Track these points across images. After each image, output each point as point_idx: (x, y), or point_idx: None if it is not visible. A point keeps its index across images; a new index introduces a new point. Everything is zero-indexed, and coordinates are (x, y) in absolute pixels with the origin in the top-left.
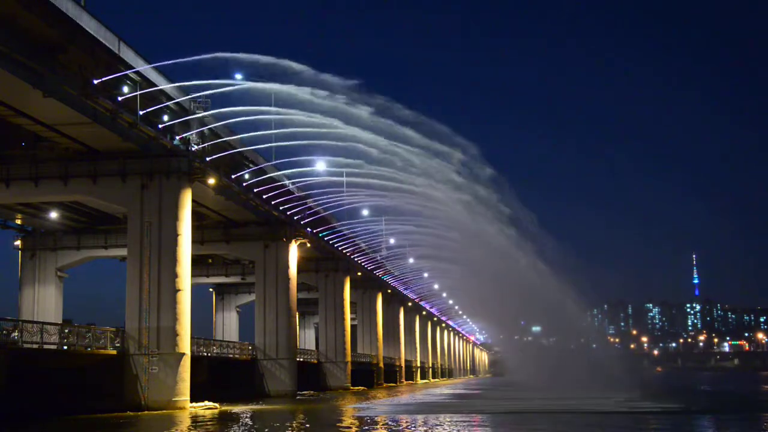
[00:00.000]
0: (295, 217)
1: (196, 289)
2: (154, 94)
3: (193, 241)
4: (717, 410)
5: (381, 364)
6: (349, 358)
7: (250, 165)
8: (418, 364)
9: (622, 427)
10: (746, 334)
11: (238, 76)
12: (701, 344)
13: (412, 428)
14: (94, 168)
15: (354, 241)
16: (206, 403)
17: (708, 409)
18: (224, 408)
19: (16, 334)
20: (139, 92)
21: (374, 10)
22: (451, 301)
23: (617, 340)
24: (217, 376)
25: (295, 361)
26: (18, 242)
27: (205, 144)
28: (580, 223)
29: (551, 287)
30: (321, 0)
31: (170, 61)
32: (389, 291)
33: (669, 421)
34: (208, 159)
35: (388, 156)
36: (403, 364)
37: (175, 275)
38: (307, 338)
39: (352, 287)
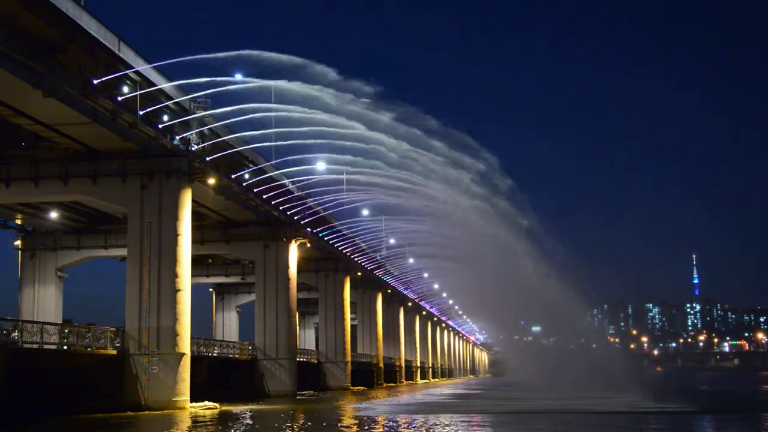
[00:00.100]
0: (295, 217)
1: (196, 289)
2: (154, 94)
3: (193, 241)
4: (717, 410)
5: (381, 364)
6: (349, 358)
7: (250, 165)
8: (418, 364)
9: (622, 427)
10: (746, 334)
11: (238, 76)
12: (701, 344)
13: (412, 428)
14: (94, 168)
15: (354, 241)
16: (206, 403)
17: (708, 410)
18: (224, 408)
19: (16, 334)
20: (139, 92)
21: (374, 10)
22: (451, 301)
23: (617, 340)
24: (217, 376)
25: (295, 361)
26: (18, 242)
27: (205, 144)
28: (580, 223)
29: (551, 287)
30: (321, 0)
31: (170, 61)
32: (389, 291)
33: (669, 421)
34: (208, 159)
35: (391, 153)
36: (403, 364)
37: (175, 275)
38: (307, 338)
39: (352, 287)
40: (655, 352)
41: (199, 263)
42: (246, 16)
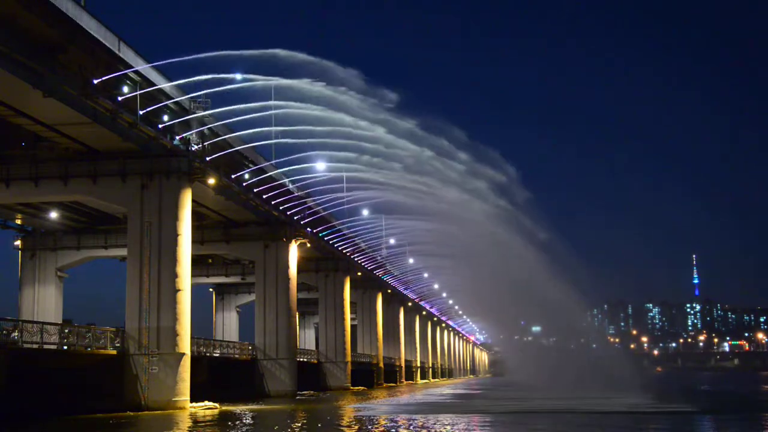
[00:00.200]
0: (295, 217)
1: (196, 289)
2: (154, 94)
3: (193, 241)
4: (717, 410)
5: (381, 364)
6: (349, 358)
7: (250, 165)
8: (418, 364)
9: (622, 427)
10: (746, 334)
11: (238, 76)
12: (701, 344)
13: (413, 428)
14: (94, 168)
15: (354, 240)
16: (206, 403)
17: (709, 410)
18: (224, 408)
19: (16, 334)
20: (139, 92)
21: (374, 10)
22: (451, 301)
23: (617, 340)
24: (217, 376)
25: (295, 361)
26: (18, 242)
27: (205, 143)
28: (580, 223)
29: (551, 287)
30: (321, 0)
31: (171, 60)
32: (389, 291)
33: (669, 421)
34: (208, 159)
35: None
36: (403, 364)
37: (175, 275)
38: (307, 338)
39: (352, 287)
40: (655, 352)
41: (199, 263)
42: (246, 15)
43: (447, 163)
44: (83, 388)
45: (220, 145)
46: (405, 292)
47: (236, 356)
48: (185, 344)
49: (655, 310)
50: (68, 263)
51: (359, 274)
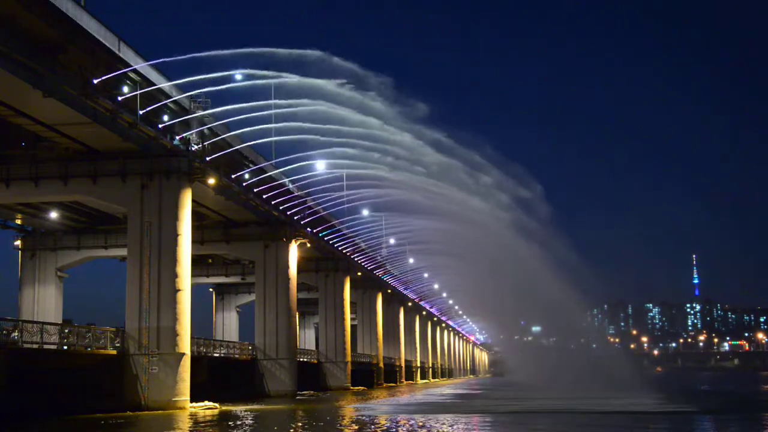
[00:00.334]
0: (295, 217)
1: (196, 289)
2: (154, 94)
3: (193, 241)
4: (717, 411)
5: (381, 364)
6: (349, 358)
7: (250, 165)
8: (418, 364)
9: (622, 427)
10: (746, 334)
11: (238, 76)
12: (701, 344)
13: (413, 428)
14: (94, 168)
15: (354, 240)
16: (206, 403)
17: (709, 410)
18: (224, 408)
19: (16, 334)
20: (139, 92)
21: (374, 10)
22: (451, 301)
23: (617, 340)
24: (217, 376)
25: (295, 361)
26: (18, 242)
27: (205, 143)
28: (580, 223)
29: (551, 287)
30: (321, 0)
31: (172, 58)
32: (389, 291)
33: (669, 421)
34: (208, 159)
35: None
36: (403, 364)
37: (175, 275)
38: (307, 338)
39: (352, 287)
40: (655, 352)
41: (199, 263)
42: (246, 15)
43: (471, 173)
44: (83, 388)
45: (219, 145)
46: (405, 292)
47: (236, 356)
48: (185, 344)
49: (655, 310)
50: (68, 263)
51: (359, 274)
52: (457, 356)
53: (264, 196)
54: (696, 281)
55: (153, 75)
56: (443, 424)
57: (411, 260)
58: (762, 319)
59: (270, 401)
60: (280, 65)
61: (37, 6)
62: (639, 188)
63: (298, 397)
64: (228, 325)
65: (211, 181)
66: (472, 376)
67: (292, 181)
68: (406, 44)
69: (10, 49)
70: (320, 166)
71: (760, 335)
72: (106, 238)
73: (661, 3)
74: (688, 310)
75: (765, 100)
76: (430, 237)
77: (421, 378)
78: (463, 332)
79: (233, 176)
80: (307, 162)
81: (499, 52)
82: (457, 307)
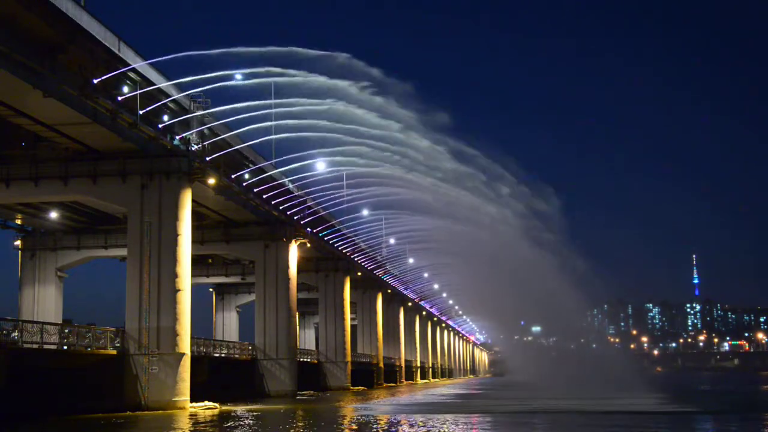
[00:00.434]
0: (295, 217)
1: (196, 289)
2: (154, 94)
3: (193, 241)
4: (717, 411)
5: (381, 364)
6: (349, 358)
7: (250, 164)
8: (418, 364)
9: (623, 427)
10: (746, 334)
11: (238, 76)
12: (701, 344)
13: (413, 428)
14: (94, 168)
15: (354, 240)
16: (206, 403)
17: (709, 410)
18: (224, 408)
19: (16, 334)
20: (138, 92)
21: (374, 10)
22: (451, 301)
23: (617, 340)
24: (217, 376)
25: (295, 361)
26: (18, 242)
27: (205, 143)
28: (580, 223)
29: (551, 287)
30: (320, 0)
31: (173, 55)
32: (389, 291)
33: (669, 421)
34: (208, 159)
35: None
36: (403, 364)
37: (175, 275)
38: (307, 338)
39: (352, 287)
40: (655, 352)
41: (199, 263)
42: (246, 16)
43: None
44: (83, 388)
45: (219, 145)
46: (405, 292)
47: (236, 356)
48: (185, 344)
49: (655, 310)
50: (68, 263)
51: (359, 274)
52: (457, 356)
53: (264, 196)
54: (696, 281)
55: (153, 75)
56: (443, 424)
57: (411, 260)
58: (762, 319)
59: (270, 401)
60: (280, 64)
61: (37, 6)
62: (639, 188)
63: (298, 397)
64: (228, 325)
65: (211, 181)
66: (472, 376)
67: (292, 181)
68: (406, 44)
69: (10, 49)
70: (320, 165)
71: (760, 335)
72: (106, 238)
73: (661, 3)
74: (688, 310)
75: (765, 100)
76: (431, 236)
77: (421, 378)
78: (463, 332)
79: (233, 176)
80: (307, 162)
81: (500, 51)
82: (457, 307)
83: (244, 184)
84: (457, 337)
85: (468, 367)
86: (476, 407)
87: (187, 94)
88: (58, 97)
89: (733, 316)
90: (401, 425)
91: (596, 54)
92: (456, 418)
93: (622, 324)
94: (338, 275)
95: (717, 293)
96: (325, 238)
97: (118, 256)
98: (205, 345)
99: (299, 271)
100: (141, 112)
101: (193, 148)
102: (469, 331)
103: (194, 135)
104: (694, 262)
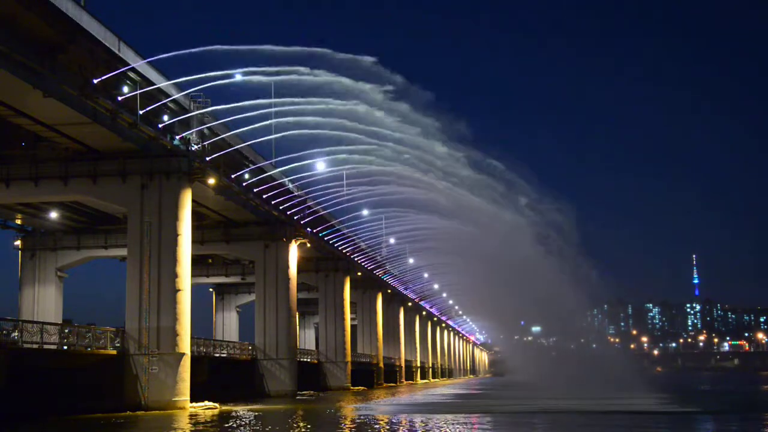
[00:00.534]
0: (295, 217)
1: (196, 289)
2: (154, 94)
3: (193, 241)
4: (717, 411)
5: (381, 364)
6: (349, 358)
7: (250, 164)
8: (418, 364)
9: (623, 427)
10: (746, 334)
11: (238, 76)
12: (701, 344)
13: (413, 428)
14: (94, 168)
15: (354, 240)
16: (206, 403)
17: (710, 410)
18: (224, 408)
19: (16, 334)
20: (138, 92)
21: (374, 10)
22: (451, 301)
23: (617, 340)
24: (217, 376)
25: (295, 361)
26: (18, 242)
27: (205, 143)
28: (580, 223)
29: (551, 287)
30: (320, 0)
31: (173, 53)
32: (389, 291)
33: (669, 421)
34: (208, 159)
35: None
36: (403, 364)
37: (175, 275)
38: (307, 338)
39: (352, 287)
40: (655, 352)
41: (199, 263)
42: (246, 16)
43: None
44: (83, 388)
45: (219, 145)
46: (405, 292)
47: (236, 356)
48: (185, 344)
49: (655, 310)
50: (68, 263)
51: (359, 274)
52: (457, 356)
53: (264, 196)
54: (696, 281)
55: (153, 75)
56: (443, 424)
57: (411, 260)
58: (762, 319)
59: (270, 401)
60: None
61: (37, 6)
62: (639, 188)
63: (298, 397)
64: (228, 325)
65: (211, 181)
66: (472, 376)
67: (292, 181)
68: (406, 44)
69: (10, 49)
70: (320, 165)
71: (760, 335)
72: (106, 238)
73: (661, 3)
74: (688, 310)
75: (765, 101)
76: (431, 236)
77: (421, 378)
78: (463, 332)
79: (233, 176)
80: (307, 161)
81: (499, 51)
82: (457, 307)
83: (244, 184)
84: (457, 337)
85: (468, 367)
86: (476, 407)
87: (187, 94)
88: (58, 97)
89: (733, 316)
90: (401, 425)
91: (596, 54)
92: (456, 418)
93: (622, 324)
94: (338, 275)
95: (717, 293)
96: (325, 238)
97: (118, 256)
98: (205, 345)
99: (299, 271)
100: (141, 112)
101: (193, 148)
102: (469, 331)
103: (194, 135)
104: (694, 262)
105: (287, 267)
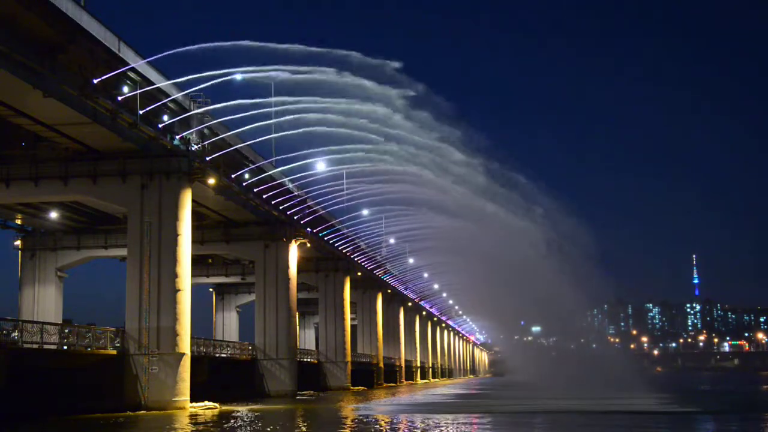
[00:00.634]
0: (295, 217)
1: (196, 289)
2: (154, 94)
3: (193, 241)
4: (717, 410)
5: (381, 364)
6: (349, 358)
7: (250, 164)
8: (418, 364)
9: (623, 427)
10: (746, 334)
11: (238, 76)
12: (701, 344)
13: (413, 428)
14: (94, 168)
15: (354, 240)
16: (206, 403)
17: (710, 410)
18: (224, 408)
19: (16, 334)
20: (138, 92)
21: (374, 10)
22: (451, 301)
23: (617, 340)
24: (217, 376)
25: (295, 361)
26: (18, 242)
27: (205, 143)
28: (580, 223)
29: (551, 287)
30: (319, 0)
31: (174, 50)
32: (389, 291)
33: (669, 421)
34: (208, 158)
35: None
36: (403, 364)
37: (175, 275)
38: (307, 338)
39: (352, 287)
40: (655, 352)
41: (199, 263)
42: (246, 16)
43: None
44: (83, 388)
45: (219, 145)
46: (405, 292)
47: (236, 356)
48: (185, 344)
49: (655, 310)
50: (68, 263)
51: (359, 274)
52: (457, 356)
53: (264, 196)
54: (696, 281)
55: (153, 75)
56: (443, 424)
57: (411, 260)
58: (762, 319)
59: (270, 401)
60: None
61: (37, 6)
62: (639, 188)
63: (298, 397)
64: (228, 325)
65: (211, 181)
66: (472, 376)
67: (292, 181)
68: (406, 44)
69: (10, 49)
70: (320, 165)
71: (760, 335)
72: (106, 238)
73: (660, 3)
74: (688, 310)
75: (765, 100)
76: (431, 235)
77: (421, 378)
78: (463, 332)
79: (233, 176)
80: (307, 161)
81: (499, 51)
82: (457, 307)
83: (244, 184)
84: (457, 337)
85: (468, 367)
86: (476, 407)
87: (187, 94)
88: (58, 97)
89: (733, 316)
90: (401, 425)
91: (596, 54)
92: (456, 418)
93: (622, 324)
94: (338, 275)
95: (717, 293)
96: (325, 238)
97: (118, 256)
98: (205, 345)
99: (299, 271)
100: (141, 112)
101: (193, 148)
102: (469, 331)
103: (194, 134)
104: (694, 262)
105: (287, 267)
